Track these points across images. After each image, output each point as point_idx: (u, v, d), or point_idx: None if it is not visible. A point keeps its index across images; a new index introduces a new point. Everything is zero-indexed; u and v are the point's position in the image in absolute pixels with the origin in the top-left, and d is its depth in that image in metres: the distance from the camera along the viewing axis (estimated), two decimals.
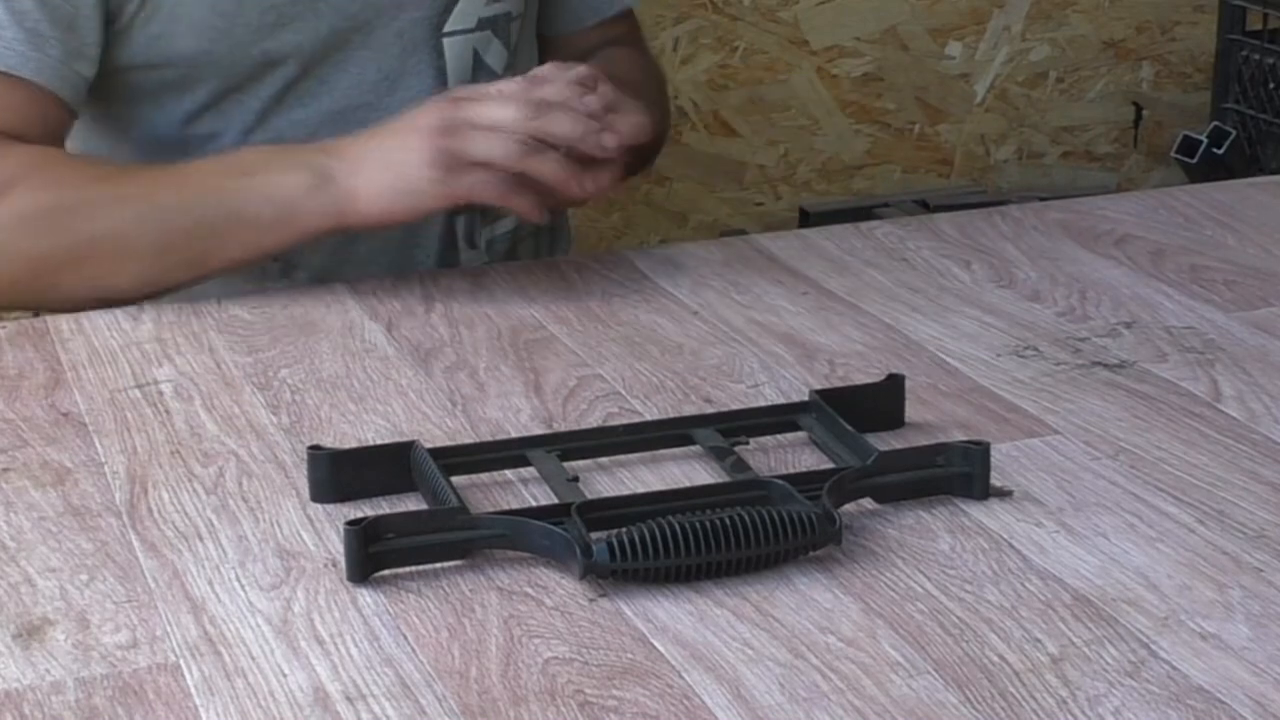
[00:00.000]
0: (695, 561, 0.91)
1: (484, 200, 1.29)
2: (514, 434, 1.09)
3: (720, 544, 0.91)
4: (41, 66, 1.32)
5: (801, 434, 1.08)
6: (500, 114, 1.24)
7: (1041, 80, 3.02)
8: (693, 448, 1.07)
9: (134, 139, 1.45)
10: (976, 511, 0.99)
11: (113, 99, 1.43)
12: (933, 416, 1.11)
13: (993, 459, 1.01)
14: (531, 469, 1.03)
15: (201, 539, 0.97)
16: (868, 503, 1.00)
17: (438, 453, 1.01)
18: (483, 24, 1.48)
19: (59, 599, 0.91)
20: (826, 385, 1.14)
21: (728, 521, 0.92)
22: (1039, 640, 0.87)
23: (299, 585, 0.92)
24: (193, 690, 0.84)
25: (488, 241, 1.52)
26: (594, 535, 0.92)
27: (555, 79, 1.27)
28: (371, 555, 0.92)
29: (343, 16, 1.42)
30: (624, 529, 0.92)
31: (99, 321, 1.29)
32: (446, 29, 1.46)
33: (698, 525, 0.91)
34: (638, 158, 1.41)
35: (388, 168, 1.26)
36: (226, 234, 1.29)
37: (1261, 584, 0.92)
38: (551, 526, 0.93)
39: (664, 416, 1.11)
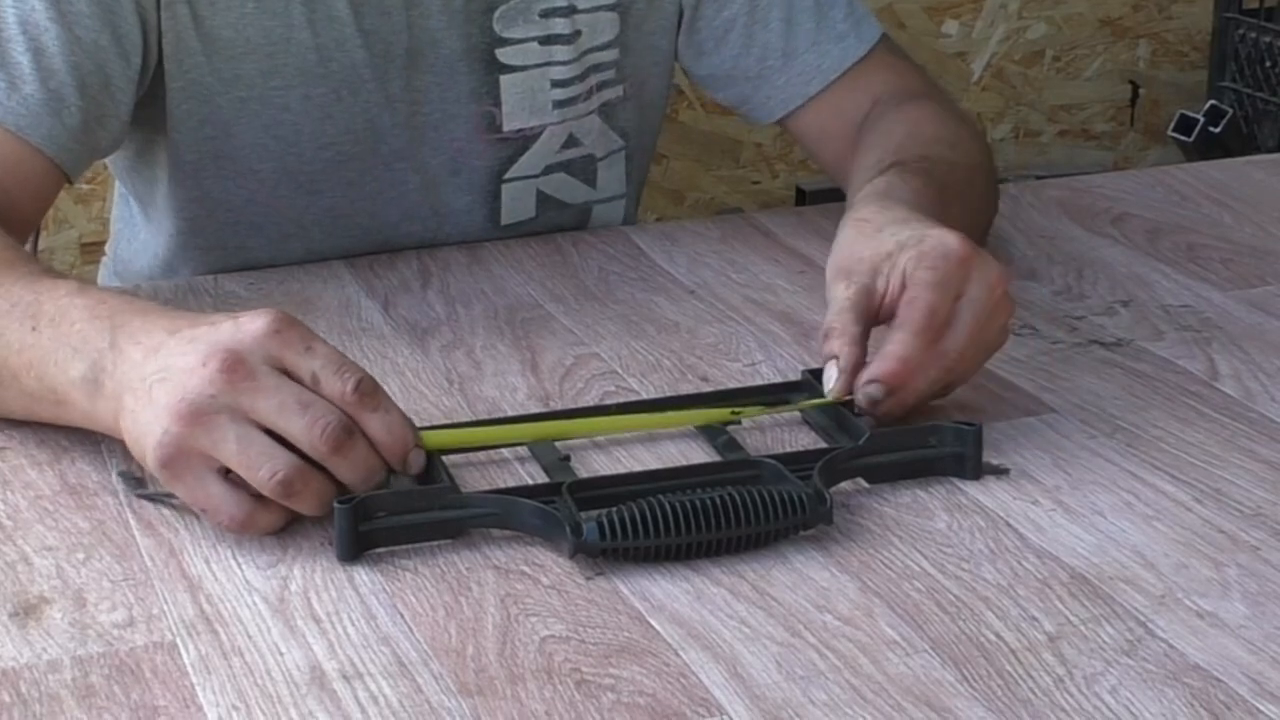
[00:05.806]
0: (684, 540, 0.91)
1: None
2: (510, 412, 1.09)
3: (709, 523, 0.91)
4: (53, 134, 1.22)
5: (796, 413, 1.08)
6: (289, 423, 0.93)
7: (1038, 59, 3.02)
8: (687, 427, 1.06)
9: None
10: (973, 490, 0.99)
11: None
12: None
13: (989, 437, 1.01)
14: (525, 447, 1.03)
15: (198, 518, 0.97)
16: (864, 481, 1.00)
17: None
18: (551, 169, 1.40)
19: (56, 577, 0.91)
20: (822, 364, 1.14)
21: (717, 501, 0.92)
22: (1036, 618, 0.87)
23: (295, 564, 0.92)
24: (189, 668, 0.84)
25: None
26: (585, 514, 0.92)
27: (376, 407, 0.96)
28: (362, 534, 0.92)
29: (399, 159, 1.36)
30: (614, 508, 0.91)
31: None
32: (508, 176, 1.39)
33: (687, 504, 0.91)
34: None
35: (135, 418, 0.95)
36: (6, 385, 1.05)
37: (1258, 562, 0.92)
38: (542, 505, 0.93)
39: (660, 395, 1.11)
